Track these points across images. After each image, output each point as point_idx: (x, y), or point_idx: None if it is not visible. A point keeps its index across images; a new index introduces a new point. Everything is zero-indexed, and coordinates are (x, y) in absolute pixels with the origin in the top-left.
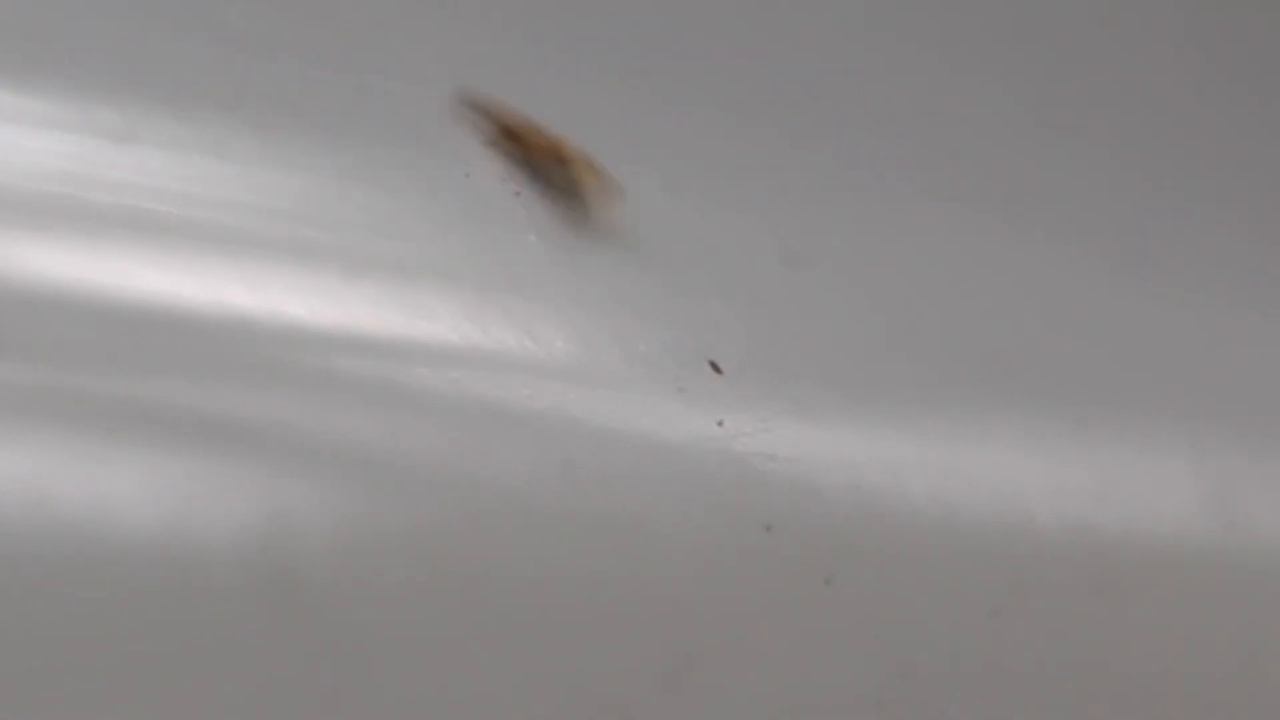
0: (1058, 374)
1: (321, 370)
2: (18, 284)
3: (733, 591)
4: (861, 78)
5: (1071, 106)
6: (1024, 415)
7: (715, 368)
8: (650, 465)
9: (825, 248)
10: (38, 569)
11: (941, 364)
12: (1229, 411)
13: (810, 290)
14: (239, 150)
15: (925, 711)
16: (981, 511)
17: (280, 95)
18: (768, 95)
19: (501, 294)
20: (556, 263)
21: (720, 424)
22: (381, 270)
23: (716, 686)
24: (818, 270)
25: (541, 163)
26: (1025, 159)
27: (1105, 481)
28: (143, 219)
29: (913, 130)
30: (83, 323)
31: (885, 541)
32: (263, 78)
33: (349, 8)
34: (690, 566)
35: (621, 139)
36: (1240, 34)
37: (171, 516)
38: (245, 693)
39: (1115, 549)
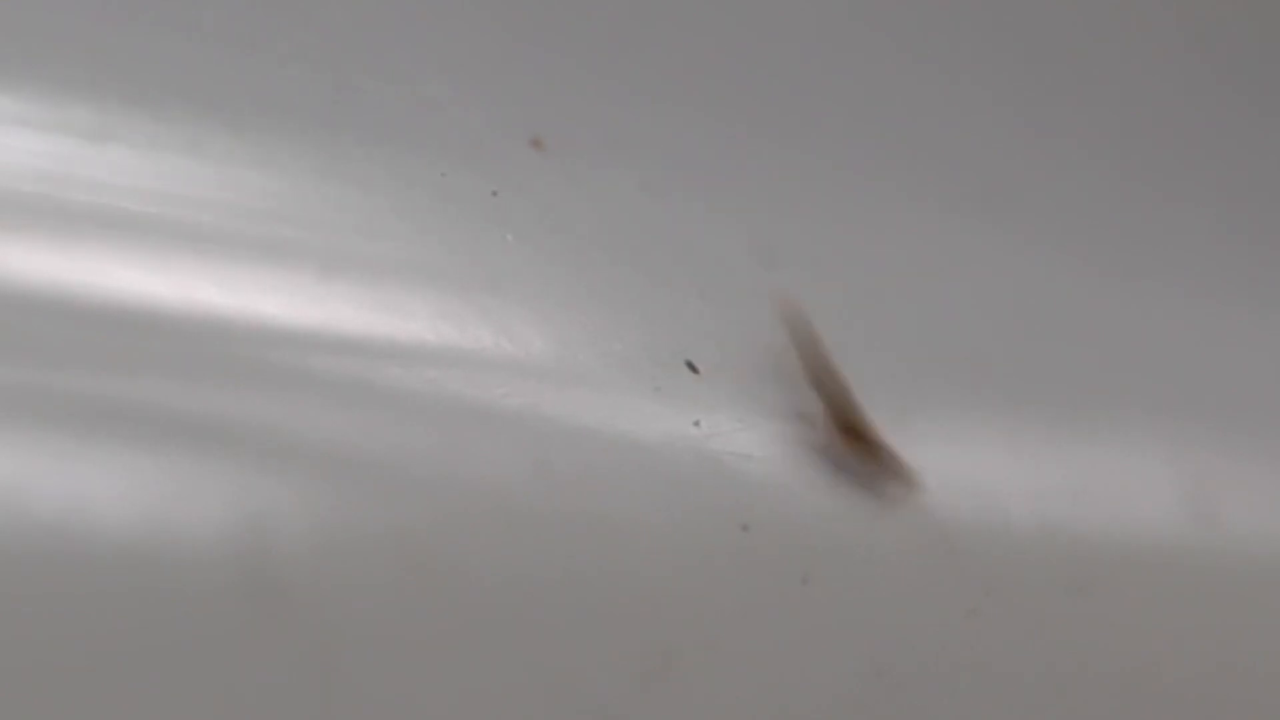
0: (1035, 374)
1: (298, 370)
2: None
3: (710, 591)
4: (839, 77)
5: (1050, 107)
6: (1001, 415)
7: (692, 367)
8: (626, 465)
9: (802, 248)
10: (12, 569)
11: (918, 363)
12: (1206, 411)
13: (787, 290)
14: (215, 149)
15: (902, 710)
16: (958, 511)
17: (256, 94)
18: (745, 95)
19: (478, 293)
20: (533, 262)
21: (697, 424)
22: (358, 269)
23: (694, 685)
24: (794, 270)
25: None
26: (1002, 159)
27: (1082, 481)
28: (118, 218)
29: (891, 130)
30: (58, 321)
31: (862, 541)
32: (239, 76)
33: (325, 7)
34: (667, 566)
35: (598, 138)
36: (1217, 34)
37: (147, 516)
38: (223, 692)
39: (1092, 548)
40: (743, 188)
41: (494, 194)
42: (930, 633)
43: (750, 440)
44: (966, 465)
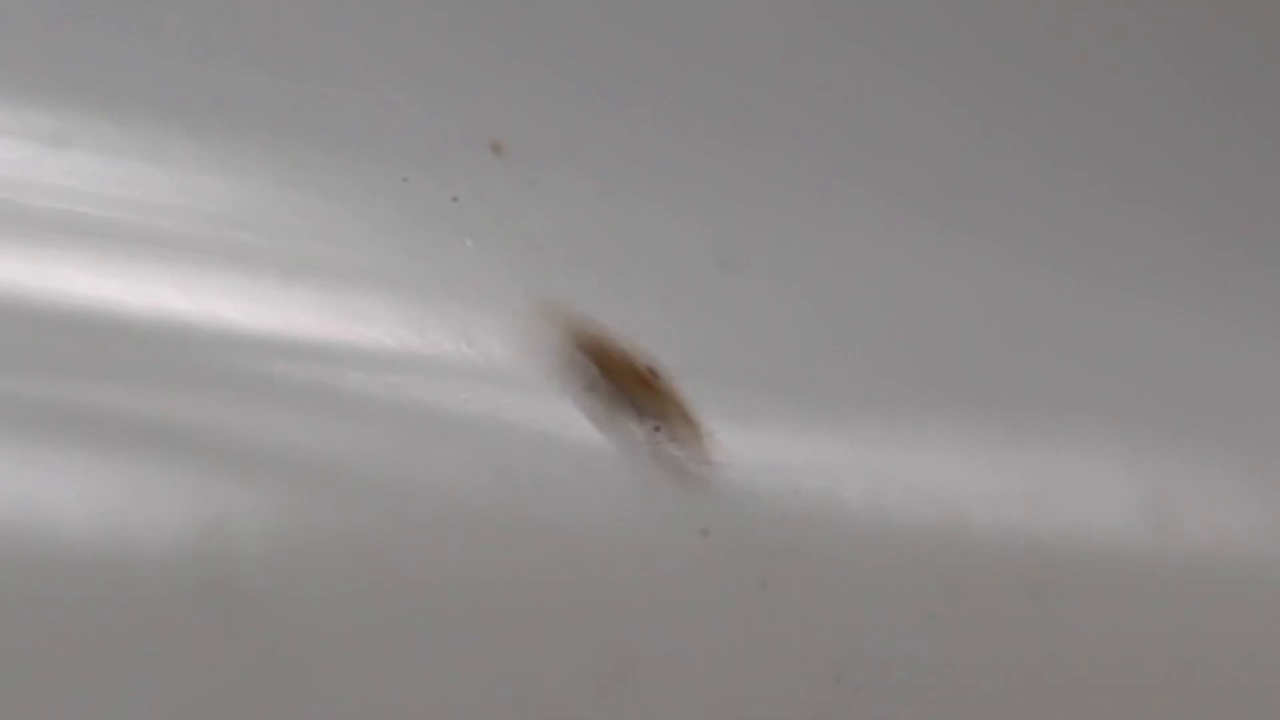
0: (994, 378)
1: (258, 375)
2: None
3: (669, 596)
4: (801, 81)
5: (1008, 110)
6: (960, 419)
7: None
8: (587, 470)
9: (761, 251)
10: None
11: (878, 368)
12: (1164, 416)
13: (746, 294)
14: (175, 155)
15: (862, 715)
16: (918, 516)
17: (217, 99)
18: (706, 99)
19: (438, 299)
20: (493, 267)
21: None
22: (318, 275)
23: (653, 691)
24: (754, 274)
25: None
26: (961, 162)
27: (1041, 486)
28: (78, 223)
29: (849, 133)
30: (17, 327)
31: (822, 546)
32: (199, 82)
33: (285, 12)
34: (627, 571)
35: (559, 142)
36: (1177, 37)
37: (106, 521)
38: (181, 696)
39: (1051, 553)
40: (703, 192)
41: (454, 199)
42: (889, 637)
43: (710, 445)
44: (925, 469)
